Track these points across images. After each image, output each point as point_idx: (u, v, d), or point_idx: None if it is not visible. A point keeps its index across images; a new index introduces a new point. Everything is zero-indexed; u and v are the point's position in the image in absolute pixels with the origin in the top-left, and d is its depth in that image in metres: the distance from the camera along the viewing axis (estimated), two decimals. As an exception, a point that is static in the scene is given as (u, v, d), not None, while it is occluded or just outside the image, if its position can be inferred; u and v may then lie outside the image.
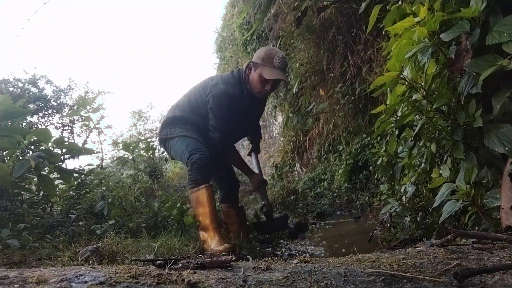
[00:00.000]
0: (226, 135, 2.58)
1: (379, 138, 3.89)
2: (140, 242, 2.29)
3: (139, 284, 0.83)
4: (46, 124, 7.15)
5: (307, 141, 6.42)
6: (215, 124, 2.54)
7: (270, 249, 2.63)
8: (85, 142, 5.62)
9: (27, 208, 2.90)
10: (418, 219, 2.01)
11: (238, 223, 2.78)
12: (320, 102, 5.71)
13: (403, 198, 2.14)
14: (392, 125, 1.92)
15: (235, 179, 3.03)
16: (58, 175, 2.97)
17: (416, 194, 2.06)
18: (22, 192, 2.94)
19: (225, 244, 2.18)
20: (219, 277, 0.91)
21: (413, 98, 1.69)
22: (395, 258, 1.10)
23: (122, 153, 6.11)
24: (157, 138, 2.86)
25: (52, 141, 2.87)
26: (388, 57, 1.84)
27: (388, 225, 2.36)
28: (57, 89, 7.64)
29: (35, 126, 6.43)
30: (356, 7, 3.93)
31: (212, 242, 2.24)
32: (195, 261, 1.02)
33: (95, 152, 4.47)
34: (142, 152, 5.77)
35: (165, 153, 6.26)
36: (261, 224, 2.97)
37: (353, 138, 4.99)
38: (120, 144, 6.44)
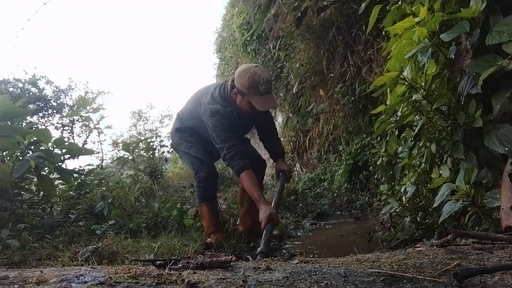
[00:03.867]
0: (232, 142, 2.48)
1: (379, 138, 3.89)
2: (140, 242, 2.30)
3: (139, 284, 0.83)
4: (46, 124, 7.12)
5: (307, 141, 6.41)
6: (217, 137, 2.50)
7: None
8: (85, 142, 5.59)
9: (27, 208, 2.90)
10: (418, 219, 2.01)
11: (247, 209, 2.77)
12: (320, 102, 5.70)
13: (403, 198, 2.14)
14: (392, 125, 1.92)
15: (258, 156, 2.87)
16: (58, 175, 2.98)
17: (416, 194, 2.05)
18: (22, 193, 2.94)
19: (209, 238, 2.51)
20: (219, 277, 0.91)
21: (413, 98, 1.69)
22: (395, 258, 1.10)
23: (122, 153, 6.10)
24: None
25: (52, 141, 2.87)
26: (388, 57, 1.84)
27: (388, 225, 2.36)
28: (57, 89, 7.61)
29: (35, 126, 6.42)
30: (356, 7, 3.92)
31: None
32: (195, 261, 1.02)
33: (95, 152, 4.48)
34: (142, 152, 5.77)
35: (165, 153, 6.38)
36: None
37: (353, 138, 4.98)
38: (120, 144, 6.44)
